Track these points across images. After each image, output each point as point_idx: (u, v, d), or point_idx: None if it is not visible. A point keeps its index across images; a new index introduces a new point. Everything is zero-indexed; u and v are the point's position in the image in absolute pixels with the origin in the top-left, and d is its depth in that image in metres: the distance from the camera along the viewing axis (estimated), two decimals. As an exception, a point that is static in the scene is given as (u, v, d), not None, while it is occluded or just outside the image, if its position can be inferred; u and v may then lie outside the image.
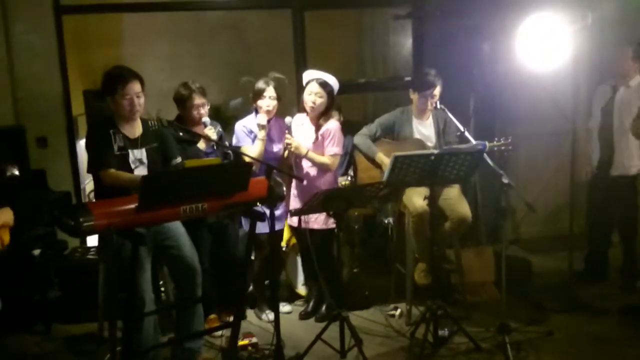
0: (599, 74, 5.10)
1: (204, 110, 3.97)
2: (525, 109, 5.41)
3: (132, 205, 2.71)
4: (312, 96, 4.00)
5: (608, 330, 3.98)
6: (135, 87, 3.29)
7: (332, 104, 4.09)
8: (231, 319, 4.00)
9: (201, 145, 3.95)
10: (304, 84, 4.10)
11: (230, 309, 4.17)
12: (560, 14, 4.08)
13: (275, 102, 4.04)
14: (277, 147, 4.14)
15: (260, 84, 4.04)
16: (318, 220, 4.02)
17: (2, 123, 4.79)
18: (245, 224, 4.20)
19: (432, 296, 3.70)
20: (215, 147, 4.01)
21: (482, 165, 3.67)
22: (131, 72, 3.32)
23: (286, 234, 4.48)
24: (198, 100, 3.93)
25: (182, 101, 3.94)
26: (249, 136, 4.07)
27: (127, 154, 3.30)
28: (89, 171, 3.39)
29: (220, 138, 4.11)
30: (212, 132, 3.90)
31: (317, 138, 4.06)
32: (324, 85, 4.01)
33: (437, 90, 4.15)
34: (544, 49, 4.12)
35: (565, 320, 4.09)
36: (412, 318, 4.13)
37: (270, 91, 4.02)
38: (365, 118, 6.19)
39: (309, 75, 4.09)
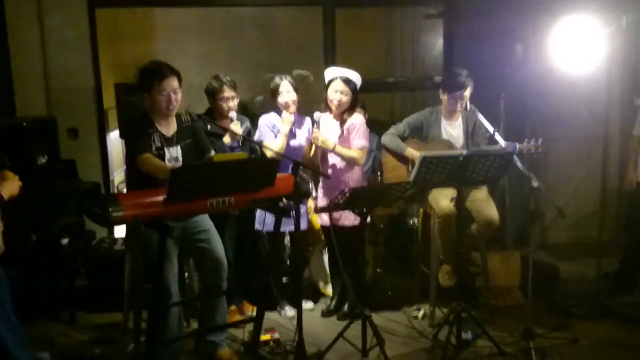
0: (633, 77, 5.01)
1: (233, 104, 4.00)
2: (556, 111, 5.34)
3: (161, 197, 2.74)
4: (337, 94, 4.00)
5: (635, 338, 3.91)
6: (173, 83, 3.25)
7: (356, 100, 4.09)
8: (251, 311, 4.04)
9: (226, 139, 3.98)
10: (326, 81, 4.10)
11: (251, 301, 4.21)
12: (594, 17, 4.02)
13: (293, 95, 4.05)
14: (297, 143, 4.14)
15: (275, 80, 4.06)
16: (349, 217, 4.01)
17: (34, 113, 4.89)
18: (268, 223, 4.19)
19: (456, 298, 3.67)
20: (240, 142, 4.03)
21: (512, 167, 3.62)
22: (169, 67, 3.27)
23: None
24: (228, 93, 3.96)
25: (213, 93, 3.97)
26: (272, 130, 4.09)
27: (164, 154, 3.30)
28: (130, 164, 3.37)
29: (249, 133, 4.14)
30: (237, 127, 3.93)
31: (342, 132, 4.06)
32: (347, 82, 4.01)
33: (467, 92, 4.08)
34: (577, 51, 4.07)
35: (591, 328, 4.03)
36: (435, 320, 4.10)
37: (284, 86, 4.03)
38: (391, 117, 6.18)
39: (331, 72, 4.09)
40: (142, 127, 3.27)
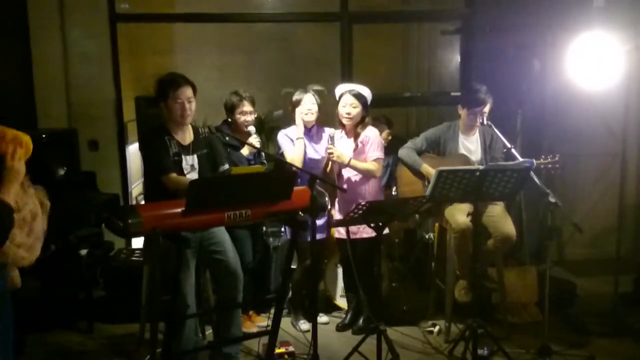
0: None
1: (251, 118, 4.08)
2: (574, 128, 5.31)
3: (179, 209, 2.76)
4: (347, 107, 4.03)
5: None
6: (187, 92, 3.37)
7: (366, 114, 4.11)
8: (267, 322, 4.04)
9: (244, 151, 4.06)
10: (337, 97, 4.13)
11: (262, 310, 4.24)
12: (612, 34, 4.01)
13: (315, 107, 4.09)
14: (319, 156, 4.16)
15: (297, 95, 4.10)
16: (367, 229, 4.01)
17: (55, 125, 4.96)
18: (289, 232, 4.21)
19: (472, 314, 3.64)
20: (256, 155, 4.12)
21: (528, 183, 3.61)
22: (183, 77, 3.40)
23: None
24: (247, 107, 4.05)
25: (233, 108, 4.05)
26: (292, 142, 4.12)
27: (181, 160, 3.38)
28: (149, 177, 3.46)
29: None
30: (256, 140, 4.01)
31: (357, 146, 4.08)
32: (358, 96, 4.04)
33: (486, 108, 4.10)
34: (595, 68, 4.06)
35: (608, 345, 3.99)
36: (450, 335, 4.07)
37: (308, 97, 4.08)
38: (408, 132, 6.18)
39: (341, 88, 4.12)
40: (158, 140, 3.35)
